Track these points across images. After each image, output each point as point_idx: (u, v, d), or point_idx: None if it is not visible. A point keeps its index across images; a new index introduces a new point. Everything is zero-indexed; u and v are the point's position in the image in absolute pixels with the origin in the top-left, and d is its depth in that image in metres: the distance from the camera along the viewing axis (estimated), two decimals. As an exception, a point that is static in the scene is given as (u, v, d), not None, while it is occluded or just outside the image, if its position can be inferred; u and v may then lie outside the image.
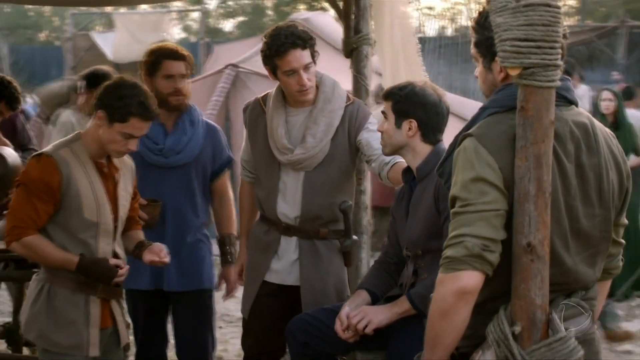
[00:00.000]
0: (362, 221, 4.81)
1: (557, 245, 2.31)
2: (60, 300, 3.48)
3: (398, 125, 3.44)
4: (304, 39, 3.77)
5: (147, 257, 3.63)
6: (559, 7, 2.16)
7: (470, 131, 2.33)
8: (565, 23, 2.27)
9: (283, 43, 3.74)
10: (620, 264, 2.66)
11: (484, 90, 2.51)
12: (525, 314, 2.24)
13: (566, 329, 2.27)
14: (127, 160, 3.76)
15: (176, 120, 4.19)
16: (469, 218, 2.24)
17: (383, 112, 3.50)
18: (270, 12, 31.72)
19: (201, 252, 4.27)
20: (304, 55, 3.77)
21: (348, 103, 3.94)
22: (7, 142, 4.95)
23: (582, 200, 2.37)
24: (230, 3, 33.69)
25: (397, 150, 3.49)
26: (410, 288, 3.40)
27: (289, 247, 3.94)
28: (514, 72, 2.20)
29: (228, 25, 34.61)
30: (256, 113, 4.04)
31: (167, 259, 3.63)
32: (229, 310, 6.94)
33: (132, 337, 4.44)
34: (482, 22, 2.40)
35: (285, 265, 3.95)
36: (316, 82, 3.91)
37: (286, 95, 3.92)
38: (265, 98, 4.03)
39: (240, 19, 33.45)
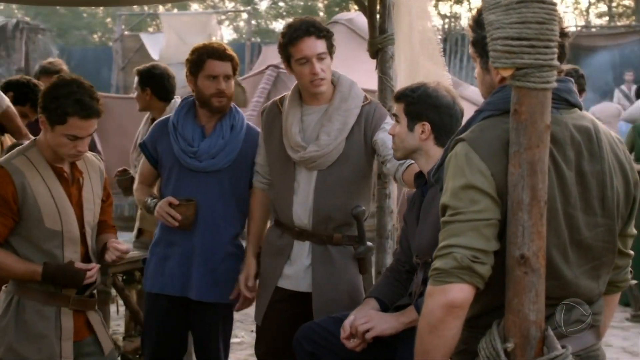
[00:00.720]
0: (387, 226, 4.69)
1: (555, 257, 2.18)
2: (29, 313, 3.38)
3: (410, 128, 3.30)
4: (318, 29, 3.72)
5: (106, 257, 3.53)
6: (554, 4, 2.03)
7: (462, 135, 2.21)
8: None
9: (296, 30, 3.72)
10: (629, 276, 2.50)
11: (482, 91, 2.37)
12: (519, 330, 2.11)
13: (563, 347, 2.13)
14: (94, 161, 3.65)
15: (216, 123, 4.06)
16: (459, 228, 2.12)
17: (395, 115, 3.38)
18: (321, 13, 31.71)
19: (232, 264, 4.06)
20: (318, 45, 3.71)
21: (365, 103, 3.84)
22: (31, 136, 4.93)
23: (583, 210, 2.22)
24: (281, 4, 33.79)
25: (409, 154, 3.35)
26: (419, 297, 3.26)
27: (302, 252, 3.83)
28: (506, 73, 2.07)
29: (279, 26, 34.72)
30: (273, 114, 3.95)
31: (120, 246, 3.53)
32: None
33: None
34: (478, 20, 2.26)
35: (298, 271, 3.84)
36: (333, 81, 3.83)
37: (301, 89, 3.85)
38: (282, 99, 3.95)
39: (291, 20, 33.47)
